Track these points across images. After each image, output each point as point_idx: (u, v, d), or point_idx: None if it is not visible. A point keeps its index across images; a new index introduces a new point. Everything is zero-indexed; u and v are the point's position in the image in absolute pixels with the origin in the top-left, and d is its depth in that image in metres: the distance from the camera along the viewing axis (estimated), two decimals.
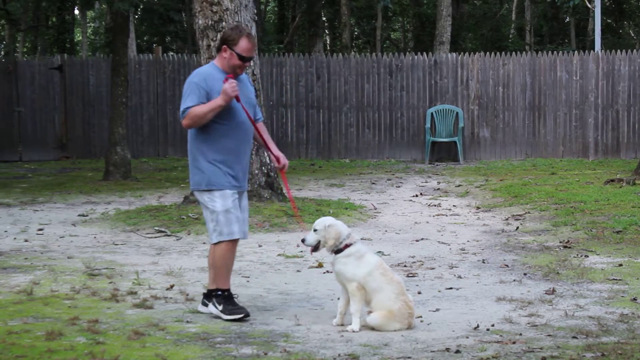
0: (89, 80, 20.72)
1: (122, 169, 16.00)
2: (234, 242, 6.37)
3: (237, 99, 6.30)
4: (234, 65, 6.37)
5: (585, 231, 9.93)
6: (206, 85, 6.28)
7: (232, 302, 6.33)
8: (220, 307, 6.28)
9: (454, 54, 20.65)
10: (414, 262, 8.60)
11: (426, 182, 15.85)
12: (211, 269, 6.45)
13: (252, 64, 11.63)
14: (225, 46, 6.37)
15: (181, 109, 6.30)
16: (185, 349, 5.49)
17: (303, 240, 6.22)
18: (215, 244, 6.34)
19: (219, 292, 6.34)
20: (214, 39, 11.18)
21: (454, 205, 12.78)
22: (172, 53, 28.70)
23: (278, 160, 6.56)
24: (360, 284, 5.99)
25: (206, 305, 6.48)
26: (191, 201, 11.57)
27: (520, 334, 5.81)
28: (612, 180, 13.66)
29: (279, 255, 8.99)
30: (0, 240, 10.01)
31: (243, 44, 6.34)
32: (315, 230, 6.15)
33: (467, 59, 20.21)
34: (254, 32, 11.75)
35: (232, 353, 5.41)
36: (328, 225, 6.13)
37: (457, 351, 5.42)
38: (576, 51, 20.76)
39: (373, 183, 15.65)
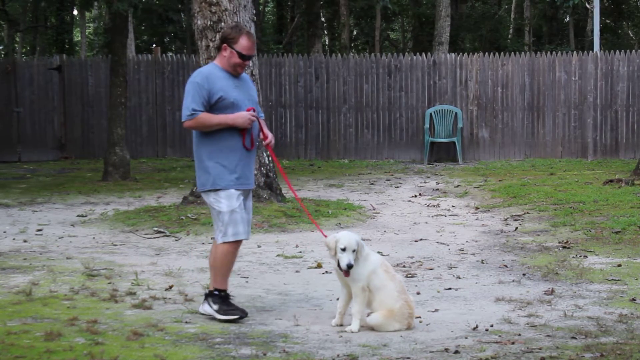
0: (88, 81, 20.70)
1: (121, 170, 15.99)
2: (237, 243, 6.36)
3: (244, 128, 6.33)
4: (235, 63, 6.38)
5: (584, 231, 9.93)
6: (208, 84, 6.30)
7: (228, 302, 6.33)
8: (216, 307, 6.29)
9: (453, 55, 20.64)
10: (413, 262, 8.60)
11: (425, 182, 15.85)
12: (211, 269, 6.47)
13: (251, 64, 11.64)
14: (225, 45, 6.38)
15: (186, 109, 6.28)
16: (184, 350, 5.49)
17: (349, 267, 5.91)
18: (219, 244, 6.35)
19: (216, 292, 6.35)
20: (213, 39, 11.18)
21: (452, 206, 12.78)
22: (171, 53, 28.71)
23: (265, 137, 6.49)
24: (365, 284, 5.99)
25: None
26: (190, 202, 11.57)
27: (519, 335, 5.82)
28: (611, 181, 13.65)
29: (278, 255, 8.99)
30: None
31: (243, 42, 6.35)
32: (353, 251, 5.96)
33: (466, 59, 20.20)
34: (252, 32, 11.76)
35: (231, 353, 5.41)
36: (359, 241, 6.05)
37: (456, 351, 5.42)
38: (575, 51, 20.76)
39: (372, 183, 15.65)
